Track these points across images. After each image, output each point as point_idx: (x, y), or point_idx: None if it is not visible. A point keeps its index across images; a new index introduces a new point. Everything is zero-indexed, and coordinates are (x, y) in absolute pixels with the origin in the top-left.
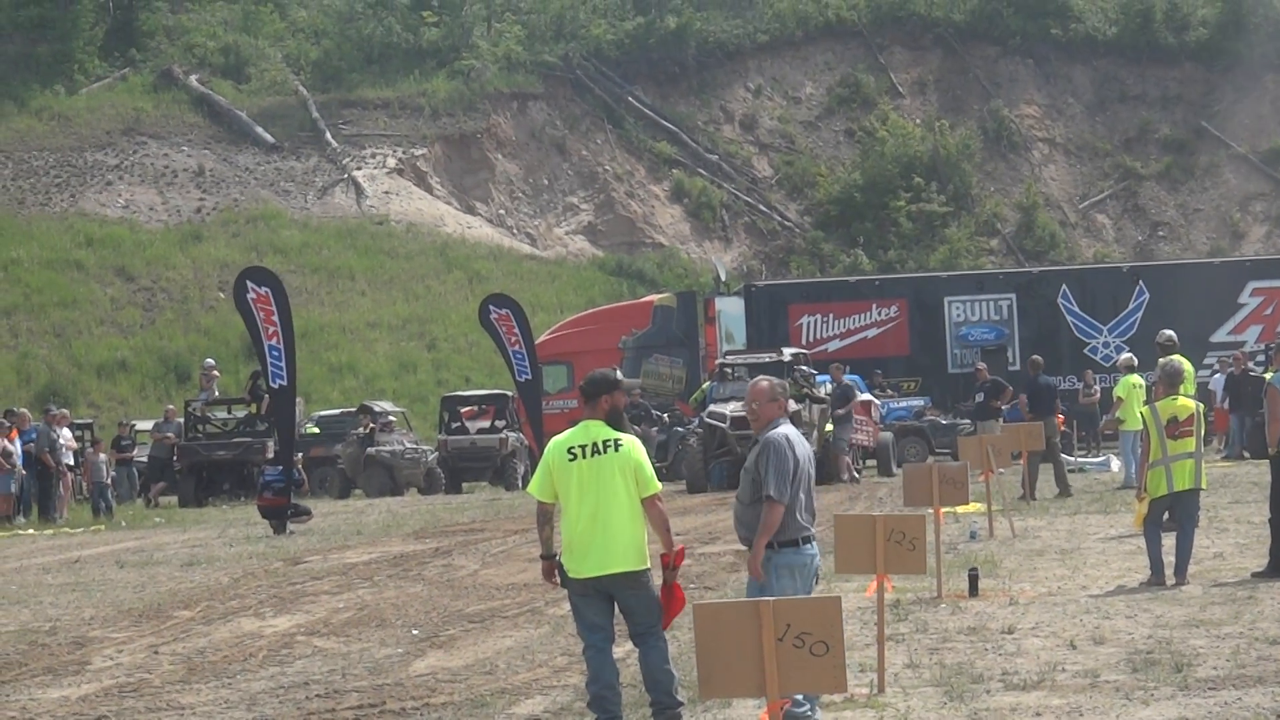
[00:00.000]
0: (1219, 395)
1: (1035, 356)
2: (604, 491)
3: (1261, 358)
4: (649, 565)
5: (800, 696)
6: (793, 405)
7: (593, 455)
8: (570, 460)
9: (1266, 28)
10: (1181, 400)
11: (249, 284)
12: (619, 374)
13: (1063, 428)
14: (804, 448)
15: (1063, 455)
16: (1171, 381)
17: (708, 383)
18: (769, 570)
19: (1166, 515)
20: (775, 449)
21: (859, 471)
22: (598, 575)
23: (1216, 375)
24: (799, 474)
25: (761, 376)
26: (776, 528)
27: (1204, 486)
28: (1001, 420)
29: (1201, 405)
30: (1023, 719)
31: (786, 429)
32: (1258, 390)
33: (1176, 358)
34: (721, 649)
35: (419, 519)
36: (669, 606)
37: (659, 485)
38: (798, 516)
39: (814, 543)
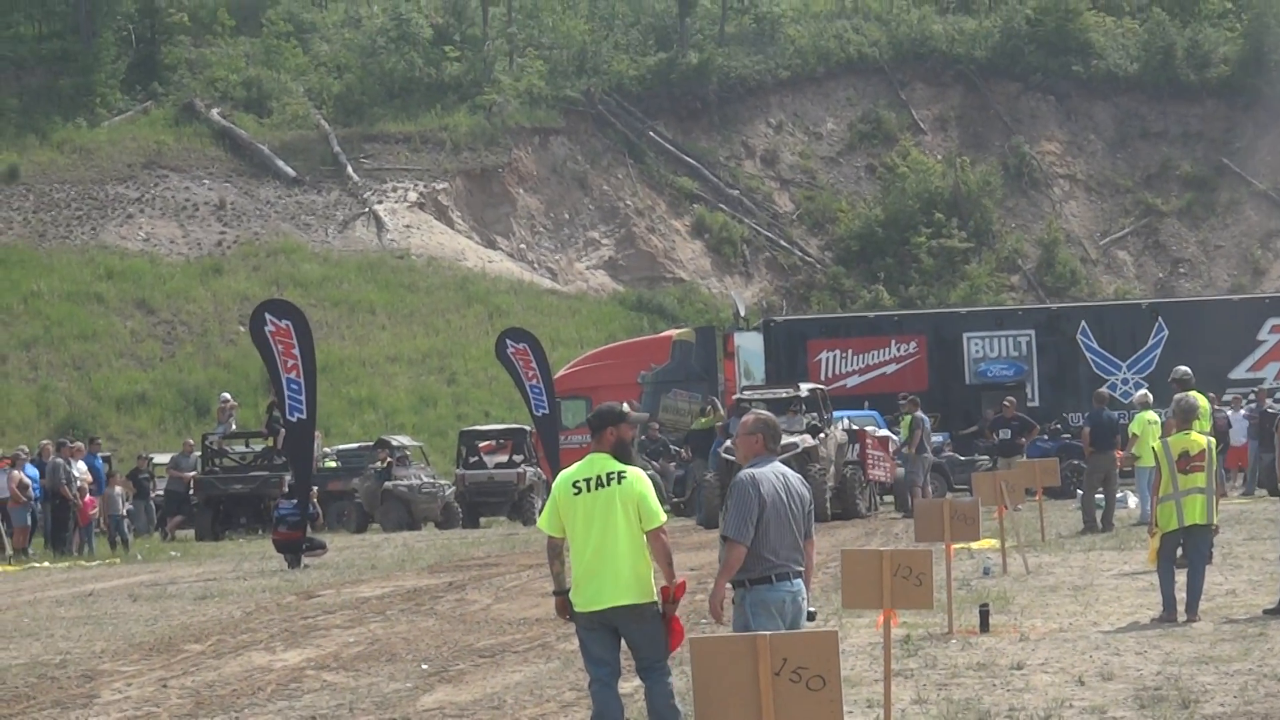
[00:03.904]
0: (1236, 431)
1: (1101, 390)
2: (607, 524)
3: None
4: (654, 598)
5: None
6: (787, 439)
7: (596, 488)
8: (575, 494)
9: None
10: (1193, 435)
11: (268, 316)
12: (628, 407)
13: (1121, 465)
14: (773, 485)
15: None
16: (1186, 417)
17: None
18: (744, 608)
19: (1180, 551)
20: (737, 489)
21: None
22: (602, 609)
23: (1233, 412)
24: (766, 512)
25: (751, 411)
26: (737, 567)
27: (1215, 523)
28: (1024, 457)
29: (1214, 441)
30: None
31: (758, 469)
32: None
33: (1192, 393)
34: (719, 683)
35: (434, 553)
36: (667, 639)
37: (664, 517)
38: (764, 554)
39: (793, 579)
